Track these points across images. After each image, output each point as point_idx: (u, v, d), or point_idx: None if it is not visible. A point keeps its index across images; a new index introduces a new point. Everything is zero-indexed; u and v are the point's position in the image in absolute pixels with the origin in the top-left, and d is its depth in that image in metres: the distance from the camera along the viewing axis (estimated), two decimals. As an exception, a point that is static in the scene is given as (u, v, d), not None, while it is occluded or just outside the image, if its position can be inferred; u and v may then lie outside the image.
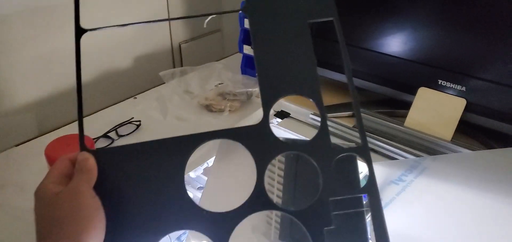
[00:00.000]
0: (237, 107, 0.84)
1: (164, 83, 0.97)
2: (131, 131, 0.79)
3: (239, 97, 0.85)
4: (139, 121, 0.82)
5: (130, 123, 0.82)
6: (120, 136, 0.78)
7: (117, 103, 0.91)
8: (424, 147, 0.69)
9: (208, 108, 0.85)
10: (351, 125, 0.76)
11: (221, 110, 0.84)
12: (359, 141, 0.49)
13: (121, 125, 0.81)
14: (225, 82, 0.91)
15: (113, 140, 0.77)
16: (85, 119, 0.40)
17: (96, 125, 0.80)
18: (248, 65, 0.95)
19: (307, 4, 0.46)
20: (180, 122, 0.83)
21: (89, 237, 0.33)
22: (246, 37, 0.92)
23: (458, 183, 0.61)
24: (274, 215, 0.56)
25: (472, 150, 0.66)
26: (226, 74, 0.95)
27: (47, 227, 0.33)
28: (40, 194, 0.35)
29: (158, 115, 0.85)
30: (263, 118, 0.44)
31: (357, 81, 0.81)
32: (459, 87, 0.68)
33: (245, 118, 0.82)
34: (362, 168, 0.68)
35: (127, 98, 0.92)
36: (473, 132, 0.71)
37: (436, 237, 0.54)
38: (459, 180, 0.61)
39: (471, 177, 0.61)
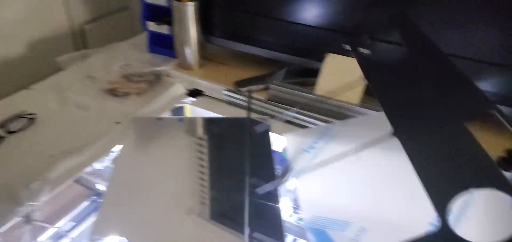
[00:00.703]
0: (144, 89, 0.78)
1: (63, 70, 0.88)
2: (23, 126, 0.70)
3: (146, 78, 0.79)
4: (34, 114, 0.73)
5: (21, 116, 0.72)
6: (10, 132, 0.69)
7: (7, 96, 0.80)
8: (334, 112, 0.70)
9: (113, 92, 0.78)
10: (264, 98, 0.75)
11: (126, 94, 0.77)
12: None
13: (10, 119, 0.71)
14: (131, 63, 0.85)
15: (2, 138, 0.68)
16: None
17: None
18: (155, 43, 0.89)
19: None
20: (80, 110, 0.75)
21: None
22: (149, 13, 0.85)
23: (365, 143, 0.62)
24: (208, 195, 0.55)
25: (379, 110, 0.68)
26: (133, 54, 0.88)
27: None
28: None
29: (55, 106, 0.77)
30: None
31: (268, 53, 0.79)
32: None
33: (154, 99, 0.77)
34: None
35: (19, 91, 0.82)
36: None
37: (346, 200, 0.54)
38: (366, 141, 0.62)
39: (378, 136, 0.62)
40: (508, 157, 0.60)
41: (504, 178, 0.34)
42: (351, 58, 0.70)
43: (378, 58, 0.54)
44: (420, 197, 0.51)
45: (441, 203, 0.34)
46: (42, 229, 0.58)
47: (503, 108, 0.62)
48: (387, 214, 0.51)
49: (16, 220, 0.52)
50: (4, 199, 0.53)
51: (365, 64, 0.52)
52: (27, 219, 0.50)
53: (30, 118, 0.72)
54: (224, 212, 0.54)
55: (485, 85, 0.63)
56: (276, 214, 0.53)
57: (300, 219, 0.57)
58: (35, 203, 0.53)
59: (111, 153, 0.69)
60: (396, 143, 0.57)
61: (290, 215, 0.63)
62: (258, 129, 0.67)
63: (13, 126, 0.70)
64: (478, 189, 0.34)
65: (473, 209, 0.49)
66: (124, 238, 0.49)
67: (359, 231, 0.50)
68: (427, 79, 0.48)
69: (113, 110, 0.75)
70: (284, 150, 0.65)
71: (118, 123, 0.72)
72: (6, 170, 0.60)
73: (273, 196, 0.55)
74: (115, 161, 0.72)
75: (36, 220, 0.51)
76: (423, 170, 0.38)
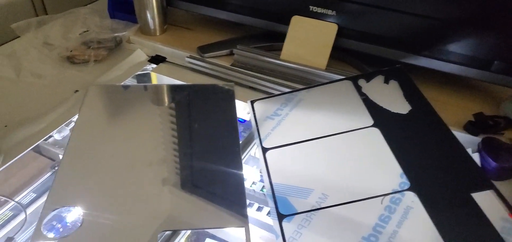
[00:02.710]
0: (104, 56, 0.74)
1: (19, 37, 0.83)
2: (-28, 96, 0.66)
3: (106, 44, 0.75)
4: (-15, 84, 0.69)
5: (-29, 87, 0.68)
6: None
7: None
8: (300, 78, 0.68)
9: (71, 60, 0.74)
10: (228, 64, 0.72)
11: (86, 61, 0.73)
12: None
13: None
14: (91, 29, 0.80)
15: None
16: None
17: None
18: (116, 8, 0.84)
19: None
20: (37, 79, 0.71)
21: None
22: (108, -25, 0.81)
23: (329, 110, 0.60)
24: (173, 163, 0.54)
25: (346, 76, 0.66)
26: (93, 20, 0.84)
27: None
28: None
29: (10, 74, 0.72)
30: None
31: (233, 16, 0.76)
32: (330, 12, 0.66)
33: (115, 66, 0.73)
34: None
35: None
36: (347, 57, 0.71)
37: (309, 170, 0.53)
38: (329, 108, 0.61)
39: (339, 104, 0.61)
40: (475, 121, 0.60)
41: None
42: (318, 21, 0.68)
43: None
44: (380, 173, 0.51)
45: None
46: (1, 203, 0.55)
47: (470, 70, 0.62)
48: (348, 184, 0.51)
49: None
50: None
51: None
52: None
53: (-20, 88, 0.68)
54: (190, 180, 0.52)
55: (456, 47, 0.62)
56: (239, 182, 0.51)
57: (263, 187, 0.56)
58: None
59: (71, 123, 0.66)
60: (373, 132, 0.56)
61: (254, 183, 0.62)
62: (222, 95, 0.65)
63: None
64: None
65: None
66: (79, 208, 0.47)
67: (320, 198, 0.49)
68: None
69: (71, 79, 0.71)
70: (249, 116, 0.63)
71: (76, 91, 0.68)
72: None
73: (237, 164, 0.53)
74: (72, 130, 0.69)
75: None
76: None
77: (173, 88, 0.69)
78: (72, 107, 0.65)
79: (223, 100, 0.65)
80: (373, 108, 0.59)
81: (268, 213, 0.60)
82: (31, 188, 0.68)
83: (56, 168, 0.71)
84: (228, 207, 0.48)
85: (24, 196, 0.66)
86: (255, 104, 0.64)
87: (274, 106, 0.63)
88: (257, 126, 0.60)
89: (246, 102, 0.65)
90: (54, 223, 0.47)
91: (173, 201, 0.49)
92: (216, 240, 0.51)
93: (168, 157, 0.55)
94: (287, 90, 0.66)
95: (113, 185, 0.51)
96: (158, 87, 0.72)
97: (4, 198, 0.53)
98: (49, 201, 0.49)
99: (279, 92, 0.66)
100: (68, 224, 0.47)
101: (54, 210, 0.48)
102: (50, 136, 0.64)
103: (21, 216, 0.59)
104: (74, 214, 0.48)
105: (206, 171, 0.53)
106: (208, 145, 0.57)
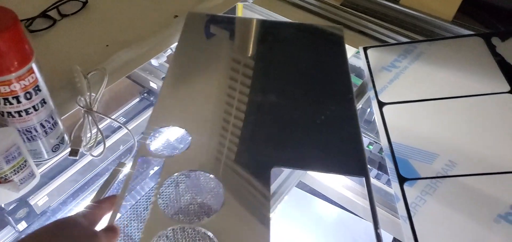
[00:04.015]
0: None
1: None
2: (77, 10, 0.66)
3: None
4: (86, -3, 0.68)
5: (74, -1, 0.67)
6: (63, 16, 0.65)
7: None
8: (420, 28, 0.61)
9: (169, -18, 0.71)
10: (338, 3, 0.66)
11: (185, -15, 0.70)
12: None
13: (63, 2, 0.66)
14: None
15: (54, 21, 0.63)
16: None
17: (29, 1, 0.65)
18: None
19: None
20: (136, -1, 0.69)
21: None
22: None
23: (456, 69, 0.54)
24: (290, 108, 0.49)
25: (474, 31, 0.59)
26: None
27: None
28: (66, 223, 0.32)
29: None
30: None
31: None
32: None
33: (214, -5, 0.69)
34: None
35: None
36: (476, 11, 0.63)
37: (435, 133, 0.48)
38: (457, 67, 0.54)
39: (469, 63, 0.54)
40: None
41: None
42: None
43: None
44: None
45: None
46: (100, 120, 0.56)
47: None
48: (479, 154, 0.45)
49: (76, 108, 0.49)
50: (64, 86, 0.50)
51: None
52: (88, 109, 0.47)
53: (83, 2, 0.67)
54: (303, 123, 0.48)
55: None
56: (356, 131, 0.46)
57: (381, 150, 0.51)
58: (94, 94, 0.49)
59: (168, 50, 0.64)
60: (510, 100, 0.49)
61: (371, 144, 0.58)
62: (332, 39, 0.60)
63: (65, 9, 0.66)
64: None
65: None
66: (182, 129, 0.45)
67: (446, 165, 0.45)
68: None
69: (171, 2, 0.68)
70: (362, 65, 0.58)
71: (176, 16, 0.66)
72: (61, 55, 0.57)
73: (352, 113, 0.48)
74: (170, 57, 0.67)
75: (96, 111, 0.48)
76: None
77: (276, 25, 0.64)
78: (171, 35, 0.63)
79: (332, 44, 0.59)
80: (510, 72, 0.52)
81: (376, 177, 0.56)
82: (121, 111, 0.68)
83: (145, 95, 0.70)
84: (346, 155, 0.44)
85: (116, 117, 0.66)
86: (369, 51, 0.58)
87: (390, 56, 0.57)
88: (371, 76, 0.55)
89: (358, 48, 0.59)
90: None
91: (285, 140, 0.46)
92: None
93: (273, 97, 0.51)
94: (405, 40, 0.59)
95: (213, 110, 0.48)
96: (260, 22, 0.67)
97: (104, 116, 0.52)
98: (152, 121, 0.46)
99: (395, 42, 0.60)
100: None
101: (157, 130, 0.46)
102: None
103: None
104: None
105: (318, 116, 0.49)
106: (319, 89, 0.53)
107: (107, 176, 0.43)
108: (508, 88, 0.51)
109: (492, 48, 0.55)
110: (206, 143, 0.44)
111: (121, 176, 0.43)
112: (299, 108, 0.49)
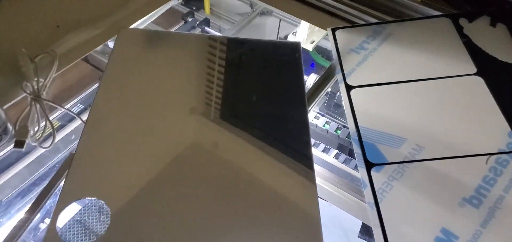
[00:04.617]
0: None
1: None
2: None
3: None
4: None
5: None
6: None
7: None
8: (389, 9, 0.59)
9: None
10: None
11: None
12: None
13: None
14: None
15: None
16: None
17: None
18: None
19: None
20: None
21: None
22: None
23: (424, 51, 0.53)
24: (214, 96, 0.46)
25: (443, 12, 0.58)
26: None
27: None
28: None
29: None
30: None
31: None
32: None
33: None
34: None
35: None
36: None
37: (399, 112, 0.47)
38: (425, 48, 0.53)
39: (437, 45, 0.54)
40: None
41: None
42: None
43: None
44: (484, 129, 0.45)
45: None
46: (50, 109, 0.51)
47: None
48: (447, 137, 0.45)
49: (22, 95, 0.45)
50: (8, 71, 0.45)
51: None
52: (35, 96, 0.43)
53: (32, -21, 0.62)
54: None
55: None
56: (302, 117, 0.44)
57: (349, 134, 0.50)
58: (43, 79, 0.45)
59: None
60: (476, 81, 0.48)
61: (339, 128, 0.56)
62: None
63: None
64: None
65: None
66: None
67: (414, 149, 0.44)
68: None
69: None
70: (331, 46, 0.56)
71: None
72: (7, 37, 0.52)
73: (300, 102, 0.46)
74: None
75: (45, 99, 0.44)
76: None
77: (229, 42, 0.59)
78: (128, 15, 0.59)
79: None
80: (477, 54, 0.52)
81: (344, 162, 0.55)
82: (78, 97, 0.64)
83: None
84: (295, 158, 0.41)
85: (72, 105, 0.62)
86: (337, 33, 0.57)
87: (359, 38, 0.55)
88: (339, 59, 0.53)
89: (325, 29, 0.57)
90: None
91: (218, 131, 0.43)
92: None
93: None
94: (374, 20, 0.58)
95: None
96: (210, 39, 0.62)
97: (54, 104, 0.47)
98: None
99: (364, 23, 0.58)
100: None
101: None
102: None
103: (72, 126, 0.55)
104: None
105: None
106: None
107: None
108: (474, 70, 0.50)
109: (459, 29, 0.54)
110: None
111: None
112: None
